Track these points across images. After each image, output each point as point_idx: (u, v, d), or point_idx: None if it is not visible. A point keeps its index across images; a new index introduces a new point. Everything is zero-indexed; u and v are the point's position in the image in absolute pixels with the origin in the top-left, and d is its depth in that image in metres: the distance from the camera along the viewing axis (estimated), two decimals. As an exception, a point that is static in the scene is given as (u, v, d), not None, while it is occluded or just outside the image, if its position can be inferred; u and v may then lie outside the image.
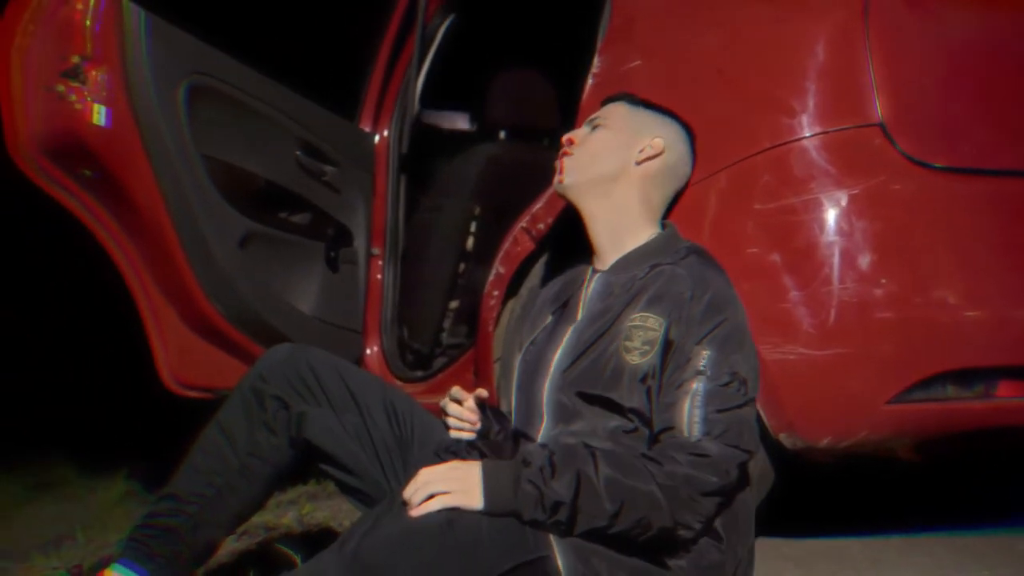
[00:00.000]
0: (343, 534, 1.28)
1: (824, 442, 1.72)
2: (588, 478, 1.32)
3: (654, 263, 1.49)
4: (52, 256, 3.90)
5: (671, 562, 1.37)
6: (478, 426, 1.57)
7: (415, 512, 1.29)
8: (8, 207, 3.67)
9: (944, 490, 2.30)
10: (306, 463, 1.61)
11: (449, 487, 1.31)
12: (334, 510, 2.52)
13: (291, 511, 2.55)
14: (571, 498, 1.31)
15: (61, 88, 2.05)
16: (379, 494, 1.54)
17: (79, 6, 2.05)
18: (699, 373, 1.36)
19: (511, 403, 1.59)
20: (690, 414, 1.34)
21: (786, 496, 1.88)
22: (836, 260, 1.71)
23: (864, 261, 1.70)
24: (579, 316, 1.52)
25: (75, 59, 2.04)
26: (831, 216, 1.72)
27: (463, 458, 1.42)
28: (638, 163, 1.54)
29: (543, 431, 1.49)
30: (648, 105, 1.60)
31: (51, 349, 4.07)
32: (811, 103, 1.76)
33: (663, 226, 1.57)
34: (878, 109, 1.73)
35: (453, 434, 1.57)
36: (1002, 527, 2.00)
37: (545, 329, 1.57)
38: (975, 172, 1.78)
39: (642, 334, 1.42)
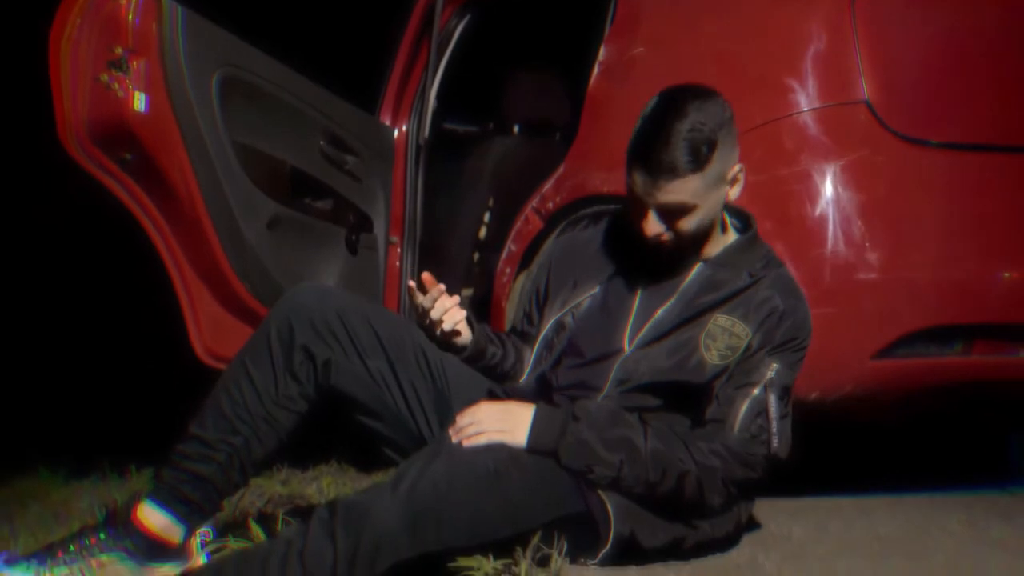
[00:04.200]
0: (396, 472, 1.34)
1: (813, 396, 1.83)
2: (633, 443, 1.43)
3: (749, 269, 1.55)
4: (84, 248, 4.05)
5: (697, 522, 1.51)
6: (458, 309, 1.61)
7: (464, 443, 1.40)
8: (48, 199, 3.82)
9: (931, 453, 2.40)
10: (332, 410, 1.61)
11: (499, 427, 1.42)
12: (356, 486, 2.62)
13: (314, 485, 2.66)
14: (614, 459, 1.42)
15: (105, 78, 2.19)
16: (407, 439, 1.58)
17: (122, 1, 2.21)
18: (764, 381, 1.48)
19: (532, 351, 1.66)
20: (744, 416, 1.47)
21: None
22: (824, 227, 1.83)
23: (850, 227, 1.82)
24: (671, 299, 1.56)
25: (119, 50, 2.19)
26: (820, 186, 1.84)
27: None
28: (728, 201, 1.55)
29: (602, 396, 1.55)
30: (706, 143, 1.45)
31: (83, 344, 4.21)
32: (801, 82, 1.89)
33: (736, 215, 1.63)
34: (864, 87, 1.85)
35: (445, 322, 1.59)
36: (986, 486, 2.11)
37: (594, 298, 1.60)
38: (954, 146, 1.90)
39: (727, 339, 1.50)
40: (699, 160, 1.46)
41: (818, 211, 1.84)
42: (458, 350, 1.66)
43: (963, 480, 2.12)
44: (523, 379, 1.69)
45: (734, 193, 1.54)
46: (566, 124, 3.00)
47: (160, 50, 2.22)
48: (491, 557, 1.34)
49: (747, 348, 1.49)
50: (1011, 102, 1.97)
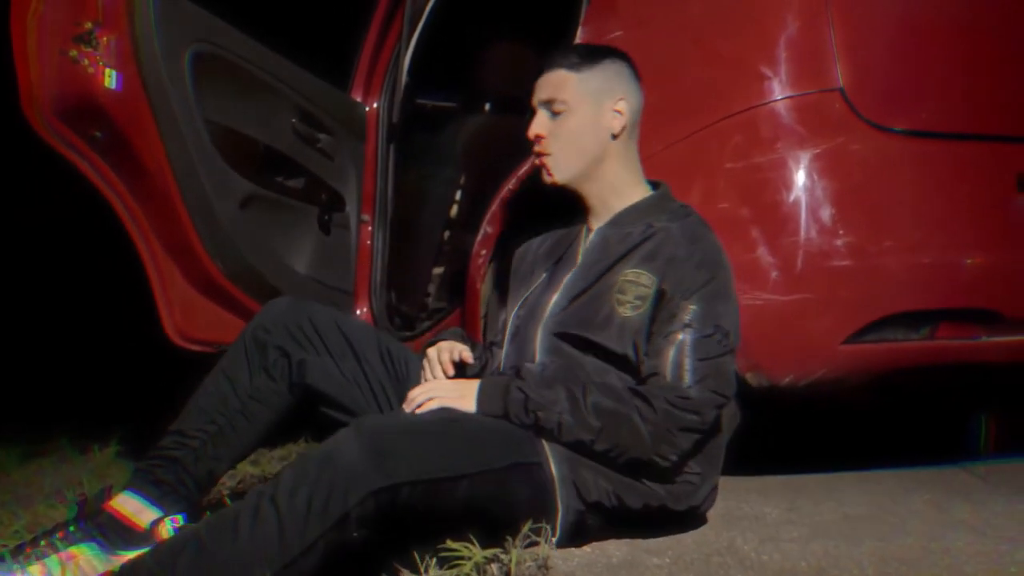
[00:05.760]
0: (356, 420, 1.41)
1: (786, 380, 1.88)
2: (574, 394, 1.48)
3: (650, 222, 1.62)
4: (52, 225, 3.96)
5: (650, 484, 1.53)
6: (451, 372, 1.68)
7: (417, 410, 1.48)
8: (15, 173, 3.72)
9: (895, 433, 2.48)
10: (304, 408, 1.71)
11: (448, 393, 1.50)
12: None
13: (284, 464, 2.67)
14: (556, 408, 1.47)
15: (74, 53, 2.14)
16: None
17: (89, -26, 2.15)
18: (686, 325, 1.51)
19: (501, 354, 1.70)
20: (675, 361, 1.49)
21: (748, 436, 2.04)
22: (799, 214, 1.86)
23: (824, 215, 1.86)
24: (575, 265, 1.65)
25: (88, 25, 2.13)
26: (795, 174, 1.88)
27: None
28: (615, 136, 1.65)
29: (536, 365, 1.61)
30: (586, 57, 1.66)
31: (47, 321, 4.13)
32: (777, 70, 1.91)
33: (653, 184, 1.70)
34: (839, 75, 1.89)
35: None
36: (946, 463, 2.19)
37: (540, 283, 1.69)
38: (925, 134, 1.94)
39: (635, 289, 1.55)
40: (579, 63, 1.65)
41: (792, 199, 1.87)
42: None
43: (923, 458, 2.19)
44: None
45: (616, 125, 1.64)
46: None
47: (131, 25, 2.17)
48: (478, 545, 1.36)
49: (659, 296, 1.53)
50: (981, 90, 2.02)
